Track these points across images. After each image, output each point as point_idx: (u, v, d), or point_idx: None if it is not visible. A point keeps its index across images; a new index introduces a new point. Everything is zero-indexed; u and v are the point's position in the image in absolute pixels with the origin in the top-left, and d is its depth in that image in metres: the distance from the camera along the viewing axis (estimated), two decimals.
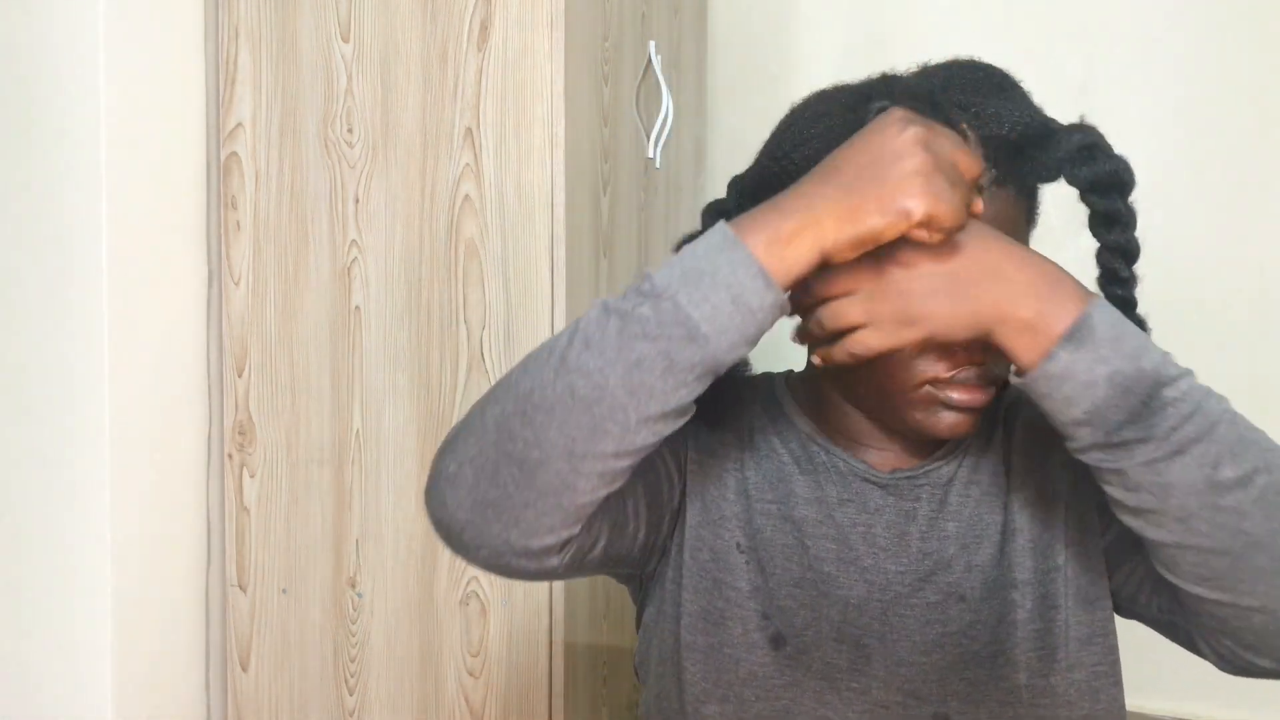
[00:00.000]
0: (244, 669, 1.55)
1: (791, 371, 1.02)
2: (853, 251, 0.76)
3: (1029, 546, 0.92)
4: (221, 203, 1.53)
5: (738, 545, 0.93)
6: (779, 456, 0.96)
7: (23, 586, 1.39)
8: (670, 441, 0.91)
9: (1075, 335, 0.75)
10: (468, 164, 1.43)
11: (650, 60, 1.70)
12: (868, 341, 0.79)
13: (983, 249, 0.78)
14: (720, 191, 0.97)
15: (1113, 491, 0.78)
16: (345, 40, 1.47)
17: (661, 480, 0.93)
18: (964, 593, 0.91)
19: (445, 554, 1.46)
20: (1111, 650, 0.91)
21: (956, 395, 0.86)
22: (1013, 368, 0.80)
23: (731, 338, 0.75)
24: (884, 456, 0.94)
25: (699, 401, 0.94)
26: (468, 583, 1.46)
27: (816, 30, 2.14)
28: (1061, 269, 0.78)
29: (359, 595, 1.50)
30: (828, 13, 2.13)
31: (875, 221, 0.75)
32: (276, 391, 1.52)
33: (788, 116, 0.93)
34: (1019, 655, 0.89)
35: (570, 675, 1.45)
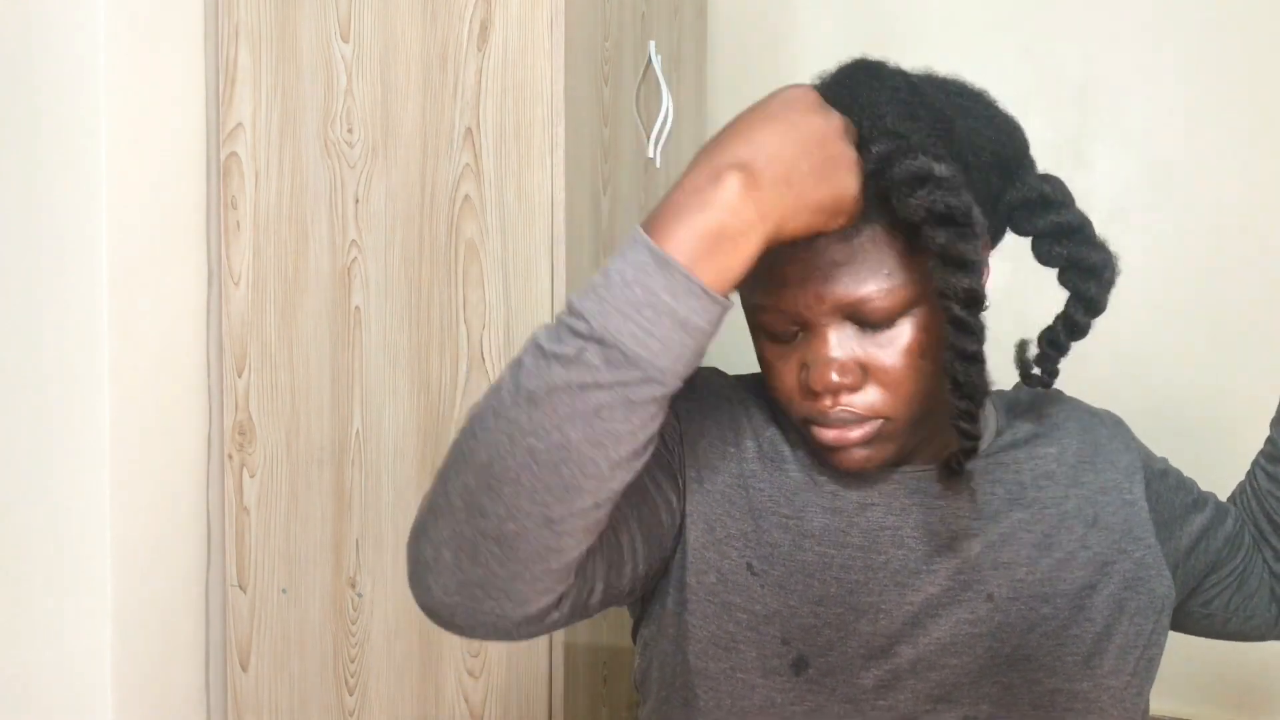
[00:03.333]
0: (244, 669, 1.55)
1: None
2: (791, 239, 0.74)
3: (1067, 560, 0.90)
4: (221, 203, 1.53)
5: (749, 566, 0.88)
6: (787, 466, 0.91)
7: (23, 586, 1.39)
8: (665, 465, 0.89)
9: None
10: (468, 164, 1.43)
11: (650, 60, 1.70)
12: None
13: None
14: None
15: None
16: (345, 40, 1.47)
17: (660, 510, 0.88)
18: (991, 591, 0.88)
19: None
20: (1150, 661, 0.91)
21: (824, 434, 0.84)
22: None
23: (686, 359, 0.69)
24: None
25: (688, 411, 0.91)
26: None
27: (817, 30, 2.14)
28: None
29: (359, 595, 1.50)
30: (827, 13, 2.13)
31: (817, 218, 0.73)
32: (276, 391, 1.52)
33: None
34: (1052, 660, 0.86)
35: (570, 675, 1.46)
